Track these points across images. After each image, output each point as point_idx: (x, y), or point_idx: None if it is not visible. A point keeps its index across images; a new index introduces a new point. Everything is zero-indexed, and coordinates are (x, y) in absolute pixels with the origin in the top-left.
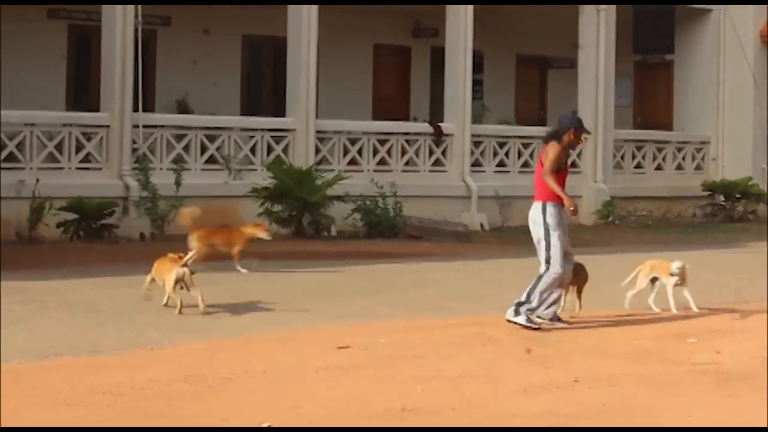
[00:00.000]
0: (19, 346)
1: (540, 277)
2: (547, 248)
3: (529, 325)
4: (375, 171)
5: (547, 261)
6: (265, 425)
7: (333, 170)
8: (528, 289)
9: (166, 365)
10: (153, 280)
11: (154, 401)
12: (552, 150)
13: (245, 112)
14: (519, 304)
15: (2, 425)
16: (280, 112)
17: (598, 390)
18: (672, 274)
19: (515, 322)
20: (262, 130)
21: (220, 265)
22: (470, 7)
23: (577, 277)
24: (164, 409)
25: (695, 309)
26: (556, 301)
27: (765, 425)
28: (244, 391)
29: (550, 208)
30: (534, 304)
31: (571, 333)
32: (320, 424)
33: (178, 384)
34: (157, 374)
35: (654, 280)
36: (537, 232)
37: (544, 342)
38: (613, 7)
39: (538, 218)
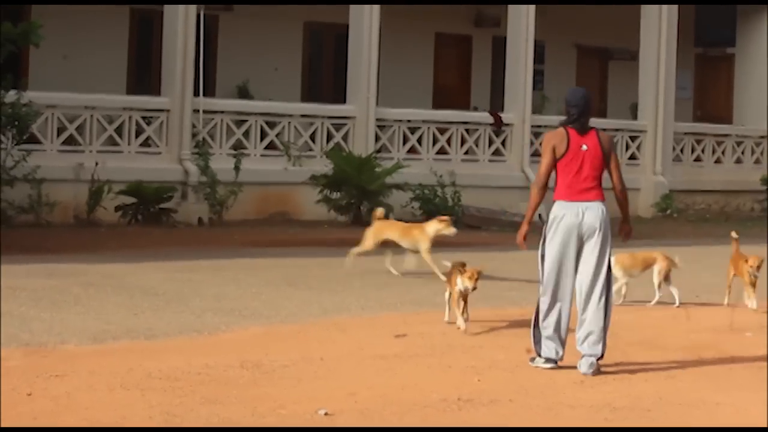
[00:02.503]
0: (77, 329)
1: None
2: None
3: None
4: (434, 160)
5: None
6: (321, 412)
7: (392, 158)
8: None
9: (223, 351)
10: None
11: (211, 386)
12: (615, 156)
13: (305, 98)
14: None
15: (4, 425)
16: (341, 99)
17: (654, 383)
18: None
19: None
20: (322, 117)
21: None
22: None
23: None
24: (220, 395)
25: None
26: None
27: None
28: (301, 377)
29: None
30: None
31: (627, 325)
32: (377, 412)
33: (235, 370)
34: (213, 359)
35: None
36: (603, 239)
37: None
38: (675, 4)
39: (606, 221)
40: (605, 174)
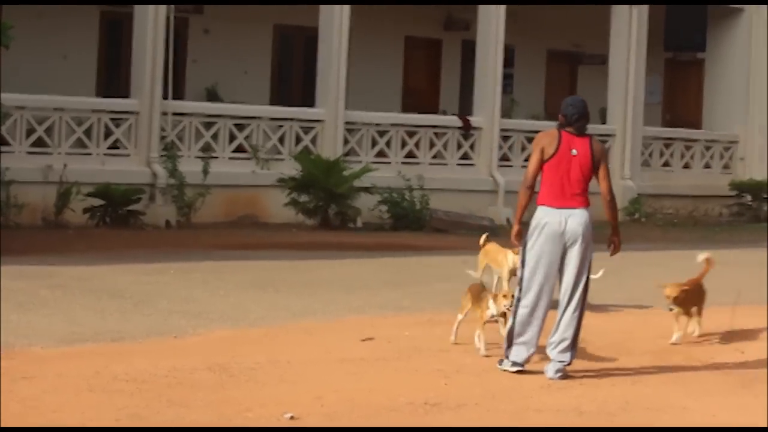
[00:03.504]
0: (44, 331)
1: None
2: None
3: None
4: (402, 163)
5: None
6: (287, 416)
7: (361, 162)
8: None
9: (190, 353)
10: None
11: (178, 389)
12: (606, 167)
13: (274, 101)
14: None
15: (2, 425)
16: (310, 102)
17: (621, 387)
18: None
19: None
20: (291, 120)
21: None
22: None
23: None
24: (187, 398)
25: None
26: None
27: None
28: (268, 381)
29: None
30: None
31: (595, 330)
32: (343, 416)
33: (202, 372)
34: (180, 362)
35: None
36: (583, 249)
37: None
38: (645, 4)
39: (590, 230)
40: (593, 181)
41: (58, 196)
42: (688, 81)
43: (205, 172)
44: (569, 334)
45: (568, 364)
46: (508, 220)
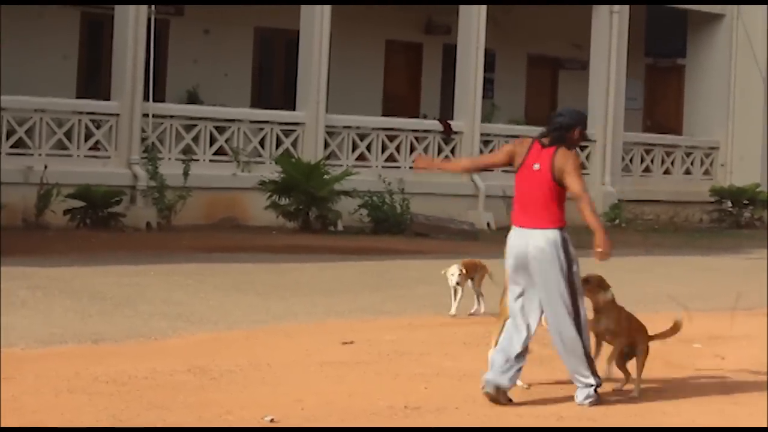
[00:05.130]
0: (24, 332)
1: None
2: (573, 290)
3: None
4: (383, 167)
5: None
6: (267, 418)
7: (341, 165)
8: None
9: (170, 356)
10: None
11: (157, 391)
12: (575, 160)
13: (255, 104)
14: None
15: (2, 425)
16: (290, 105)
17: (602, 392)
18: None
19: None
20: (272, 123)
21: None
22: (483, 6)
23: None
24: (167, 400)
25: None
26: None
27: (765, 426)
28: (248, 383)
29: (567, 236)
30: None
31: None
32: (323, 419)
33: (182, 375)
34: (160, 364)
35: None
36: (552, 273)
37: (548, 342)
38: (626, 10)
39: (555, 253)
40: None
41: (39, 197)
42: (669, 87)
43: (186, 174)
44: (574, 365)
45: (597, 386)
46: (488, 224)
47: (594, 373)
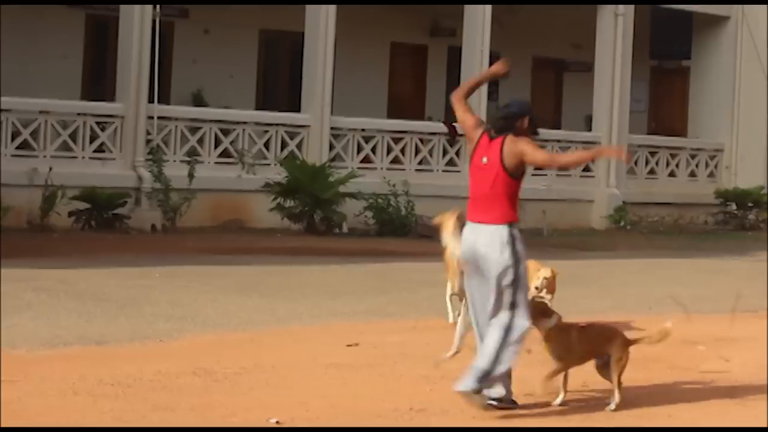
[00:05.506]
0: (29, 334)
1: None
2: (518, 293)
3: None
4: (388, 169)
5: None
6: (272, 421)
7: (346, 167)
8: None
9: (175, 358)
10: None
11: (162, 393)
12: (527, 140)
13: (260, 106)
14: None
15: (2, 425)
16: (295, 107)
17: (605, 394)
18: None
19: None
20: (277, 125)
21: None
22: (488, 8)
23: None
24: (172, 402)
25: None
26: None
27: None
28: (253, 385)
29: (517, 233)
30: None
31: None
32: (328, 421)
33: (187, 377)
34: (165, 366)
35: None
36: (500, 269)
37: None
38: (631, 12)
39: (500, 250)
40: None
41: (44, 199)
42: (674, 89)
43: (191, 176)
44: (480, 362)
45: (477, 391)
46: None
47: (499, 385)
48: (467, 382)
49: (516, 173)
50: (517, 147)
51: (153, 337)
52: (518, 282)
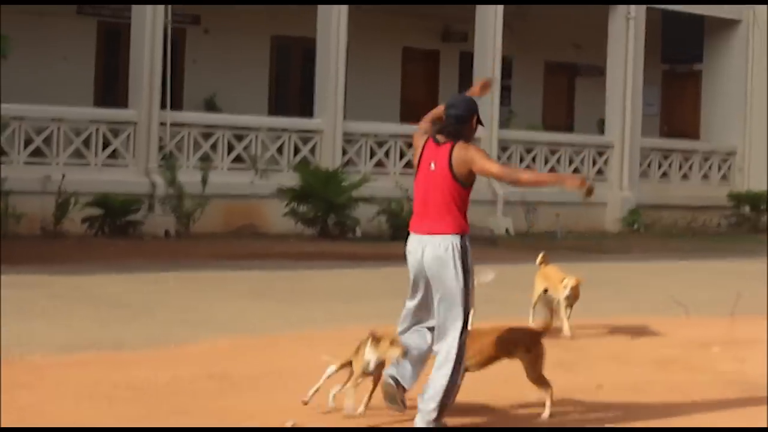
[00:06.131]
0: (44, 340)
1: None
2: (467, 303)
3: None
4: (401, 174)
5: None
6: (289, 424)
7: (359, 172)
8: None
9: (191, 362)
10: None
11: (178, 398)
12: (477, 148)
13: (273, 112)
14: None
15: (2, 425)
16: (308, 113)
17: (622, 396)
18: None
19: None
20: (290, 130)
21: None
22: (499, 12)
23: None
24: (188, 406)
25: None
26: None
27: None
28: (269, 389)
29: (468, 244)
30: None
31: (596, 339)
32: (344, 423)
33: (203, 381)
34: (181, 371)
35: (545, 291)
36: (448, 282)
37: (569, 347)
38: (642, 16)
39: (451, 262)
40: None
41: (57, 206)
42: (686, 92)
43: (204, 182)
44: (433, 388)
45: (435, 420)
46: (507, 230)
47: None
48: (433, 415)
49: (466, 182)
50: (467, 155)
51: (168, 342)
52: (467, 295)
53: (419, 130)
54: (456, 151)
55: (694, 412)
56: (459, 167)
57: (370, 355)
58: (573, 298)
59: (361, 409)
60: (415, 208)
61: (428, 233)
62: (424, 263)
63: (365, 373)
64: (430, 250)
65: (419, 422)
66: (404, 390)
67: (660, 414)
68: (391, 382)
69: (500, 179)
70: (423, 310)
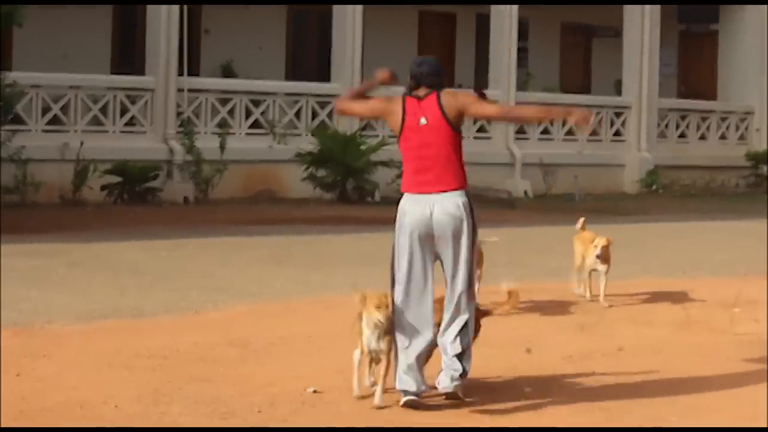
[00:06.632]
0: (63, 309)
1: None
2: (470, 267)
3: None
4: None
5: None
6: (310, 390)
7: (377, 136)
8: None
9: (210, 329)
10: None
11: (199, 365)
12: (465, 93)
13: (290, 77)
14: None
15: (2, 425)
16: (325, 77)
17: (642, 358)
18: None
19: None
20: (307, 95)
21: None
22: None
23: None
24: (208, 373)
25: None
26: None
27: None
28: (289, 355)
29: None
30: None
31: (616, 301)
32: (365, 389)
33: (223, 348)
34: (200, 338)
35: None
36: (462, 239)
37: (589, 310)
38: None
39: (462, 219)
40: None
41: (75, 173)
42: (703, 53)
43: (222, 147)
44: (458, 344)
45: (464, 375)
46: (525, 192)
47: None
48: (458, 366)
49: (458, 129)
50: (458, 101)
51: (187, 309)
52: (474, 256)
53: (373, 100)
54: (444, 99)
55: (713, 373)
56: (451, 113)
57: (369, 335)
58: (604, 259)
59: (378, 394)
60: (409, 168)
61: (435, 191)
62: (433, 223)
63: (371, 354)
64: (440, 208)
65: (449, 383)
66: (425, 391)
67: (679, 375)
68: (412, 398)
69: (500, 120)
70: (424, 287)
